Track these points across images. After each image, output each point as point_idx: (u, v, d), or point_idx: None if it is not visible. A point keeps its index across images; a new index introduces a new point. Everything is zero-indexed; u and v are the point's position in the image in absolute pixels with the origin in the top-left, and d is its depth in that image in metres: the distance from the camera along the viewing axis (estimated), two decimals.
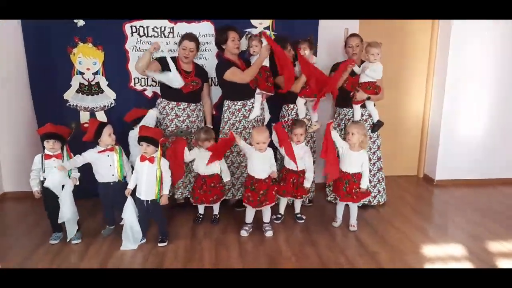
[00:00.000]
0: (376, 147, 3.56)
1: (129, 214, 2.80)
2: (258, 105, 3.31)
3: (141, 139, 2.76)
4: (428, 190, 4.18)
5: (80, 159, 2.87)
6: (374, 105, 3.51)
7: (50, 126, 2.81)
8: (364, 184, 3.09)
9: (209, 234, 3.08)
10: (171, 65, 3.16)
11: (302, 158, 3.15)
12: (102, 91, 3.62)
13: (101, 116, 3.62)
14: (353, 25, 3.87)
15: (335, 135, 3.10)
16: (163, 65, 3.27)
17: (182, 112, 3.34)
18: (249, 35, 3.43)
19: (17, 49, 3.48)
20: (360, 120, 3.44)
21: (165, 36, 3.58)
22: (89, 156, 2.89)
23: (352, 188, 3.09)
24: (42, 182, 2.82)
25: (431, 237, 3.09)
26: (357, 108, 3.44)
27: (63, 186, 2.81)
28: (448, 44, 4.07)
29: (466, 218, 3.45)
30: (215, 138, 3.22)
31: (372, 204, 3.63)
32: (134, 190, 2.84)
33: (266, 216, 3.11)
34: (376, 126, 3.49)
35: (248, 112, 3.33)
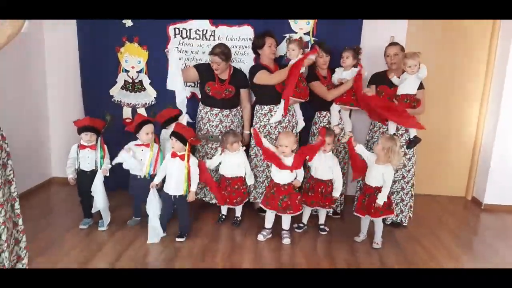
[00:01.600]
0: (411, 164, 3.35)
1: (152, 209, 2.91)
2: (280, 110, 3.26)
3: (172, 133, 2.86)
4: (473, 214, 3.85)
5: (118, 159, 3.04)
6: None
7: (88, 119, 3.02)
8: (381, 199, 2.92)
9: (227, 235, 3.11)
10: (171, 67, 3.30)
11: (331, 167, 3.07)
12: (144, 89, 3.81)
13: (142, 113, 3.80)
14: (399, 32, 3.69)
15: (359, 148, 2.98)
16: (201, 71, 3.39)
17: (215, 117, 3.39)
18: (288, 39, 3.40)
19: (71, 47, 3.76)
20: (395, 134, 3.26)
21: (206, 39, 3.67)
22: (123, 154, 3.04)
23: (371, 201, 2.94)
24: (76, 171, 3.03)
25: (460, 262, 2.84)
26: (391, 124, 3.26)
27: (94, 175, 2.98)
28: (507, 56, 3.72)
29: (509, 246, 3.13)
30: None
31: (404, 224, 3.42)
32: (161, 185, 2.95)
33: (286, 223, 3.06)
34: (413, 143, 3.28)
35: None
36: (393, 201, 3.32)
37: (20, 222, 2.17)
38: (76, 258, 2.66)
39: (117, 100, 3.83)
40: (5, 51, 2.04)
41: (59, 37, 3.83)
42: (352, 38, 3.58)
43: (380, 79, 3.35)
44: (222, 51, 3.25)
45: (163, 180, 2.95)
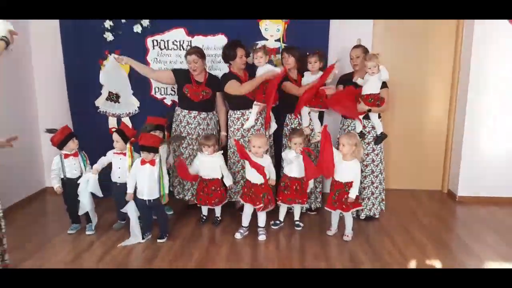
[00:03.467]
0: (379, 159, 3.52)
1: (131, 215, 3.10)
2: (253, 116, 3.45)
3: (142, 148, 2.99)
4: (446, 206, 4.01)
5: (105, 159, 3.26)
6: (380, 116, 3.49)
7: (67, 127, 3.21)
8: (353, 193, 3.10)
9: (207, 234, 3.30)
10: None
11: (303, 166, 3.24)
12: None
13: (127, 122, 4.01)
14: (365, 34, 3.86)
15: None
16: (178, 75, 3.59)
17: (193, 120, 3.59)
18: (254, 47, 3.54)
19: (58, 60, 3.96)
20: (362, 131, 3.44)
21: (183, 49, 3.87)
22: (108, 155, 3.28)
23: (342, 197, 3.12)
24: (62, 180, 3.22)
25: (427, 253, 3.00)
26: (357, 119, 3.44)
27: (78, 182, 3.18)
28: (470, 50, 3.89)
29: (476, 237, 3.28)
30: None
31: (376, 216, 3.59)
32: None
33: (261, 220, 3.25)
34: (380, 139, 3.46)
35: (246, 121, 3.49)
36: (363, 195, 3.51)
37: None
38: (62, 259, 2.86)
39: (103, 111, 4.03)
40: None
41: (45, 51, 4.03)
42: (320, 42, 3.77)
43: (347, 80, 3.53)
44: (197, 50, 3.50)
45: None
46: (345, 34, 3.82)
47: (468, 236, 3.31)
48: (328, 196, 3.25)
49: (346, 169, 3.11)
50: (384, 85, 3.40)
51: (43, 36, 3.99)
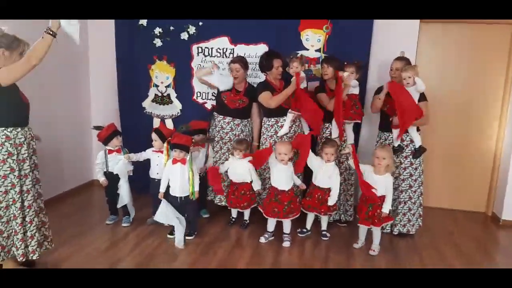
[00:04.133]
0: (418, 174, 3.41)
1: (171, 215, 3.23)
2: (287, 124, 3.50)
3: (174, 146, 3.17)
4: (487, 230, 3.78)
5: (143, 154, 3.50)
6: (419, 130, 3.39)
7: (113, 125, 3.48)
8: (387, 208, 3.04)
9: (234, 236, 3.38)
10: (212, 71, 3.69)
11: (330, 177, 3.24)
12: (171, 102, 4.24)
13: (169, 123, 4.24)
14: (410, 44, 3.78)
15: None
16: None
17: (227, 125, 3.72)
18: (292, 56, 3.59)
19: (111, 66, 4.29)
20: (400, 144, 3.36)
21: (226, 57, 4.03)
22: (147, 152, 3.50)
23: (375, 211, 3.06)
24: (105, 173, 3.47)
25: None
26: (396, 132, 3.36)
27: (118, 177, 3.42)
28: None
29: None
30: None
31: (411, 233, 3.47)
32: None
33: (286, 227, 3.27)
34: (418, 152, 3.36)
35: (280, 129, 3.54)
36: (399, 210, 3.42)
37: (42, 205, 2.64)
38: (97, 247, 3.08)
39: (148, 112, 4.29)
40: (56, 67, 2.45)
41: (101, 57, 4.38)
42: (361, 53, 3.75)
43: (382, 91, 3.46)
44: (242, 60, 3.64)
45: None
46: (388, 45, 3.75)
47: (505, 262, 3.10)
48: (359, 211, 3.18)
49: (379, 183, 3.05)
50: (423, 98, 3.31)
51: (100, 42, 4.34)
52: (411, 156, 3.38)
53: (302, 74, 3.39)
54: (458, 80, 4.02)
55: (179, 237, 3.16)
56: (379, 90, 3.54)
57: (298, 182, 3.30)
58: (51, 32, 2.33)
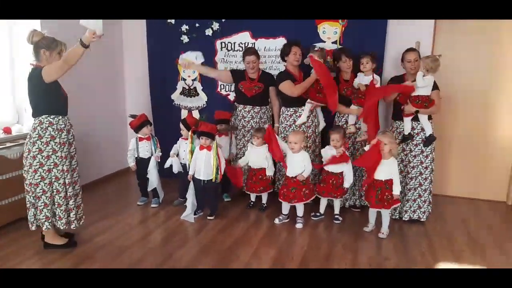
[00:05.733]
0: (429, 161, 3.50)
1: (191, 193, 3.58)
2: (306, 113, 3.70)
3: (200, 133, 3.49)
4: (505, 219, 3.78)
5: (177, 146, 3.85)
6: (430, 118, 3.48)
7: (144, 115, 3.83)
8: (397, 190, 3.18)
9: (251, 218, 3.64)
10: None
11: (342, 163, 3.42)
12: (197, 94, 4.56)
13: (196, 114, 4.55)
14: (426, 36, 3.85)
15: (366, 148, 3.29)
16: (234, 74, 4.01)
17: (247, 113, 3.97)
18: (312, 49, 3.79)
19: (142, 63, 4.68)
20: (410, 132, 3.47)
21: (245, 50, 4.26)
22: (178, 142, 3.85)
23: (384, 195, 3.20)
24: (136, 159, 3.84)
25: (460, 260, 2.94)
26: (407, 121, 3.46)
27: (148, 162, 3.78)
28: None
29: None
30: None
31: (422, 220, 3.57)
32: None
33: (299, 210, 3.48)
34: (428, 141, 3.45)
35: (298, 118, 3.74)
36: (408, 196, 3.54)
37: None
38: (128, 223, 3.46)
39: (177, 104, 4.63)
40: (95, 65, 2.83)
41: (134, 54, 4.78)
42: (377, 44, 3.87)
43: (398, 82, 3.57)
44: (256, 51, 3.91)
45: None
46: (402, 37, 3.85)
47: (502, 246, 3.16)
48: (367, 196, 3.32)
49: (385, 168, 3.19)
50: (435, 86, 3.39)
51: (133, 41, 4.74)
52: (421, 144, 3.47)
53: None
54: (478, 68, 4.02)
55: (188, 212, 3.52)
56: (392, 81, 3.65)
57: (305, 172, 3.39)
58: (84, 44, 2.62)
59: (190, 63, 4.10)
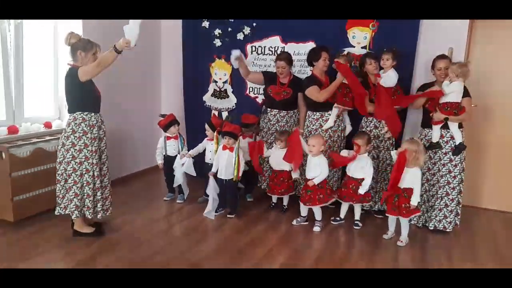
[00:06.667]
0: (458, 171, 3.37)
1: (212, 191, 3.68)
2: (333, 118, 3.69)
3: (224, 133, 3.59)
4: None
5: (200, 146, 3.99)
6: (461, 126, 3.36)
7: (172, 115, 3.98)
8: (415, 201, 3.10)
9: (271, 219, 3.69)
10: None
11: (363, 168, 3.39)
12: (228, 96, 4.68)
13: (225, 115, 4.68)
14: (459, 41, 3.73)
15: (392, 153, 3.23)
16: (266, 76, 4.08)
17: (273, 117, 4.03)
18: (339, 54, 3.79)
19: (176, 66, 4.88)
20: (438, 141, 3.37)
21: (278, 54, 4.34)
22: (203, 142, 3.99)
23: (402, 203, 3.14)
24: (164, 157, 4.01)
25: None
26: (435, 128, 3.37)
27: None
28: None
29: None
30: None
31: (448, 230, 3.45)
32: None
33: (317, 214, 3.49)
34: (458, 149, 3.33)
35: (325, 123, 3.75)
36: (436, 205, 3.44)
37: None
38: (152, 217, 3.62)
39: (208, 105, 4.79)
40: (134, 67, 3.11)
41: (171, 57, 4.98)
42: (407, 50, 3.79)
43: (427, 89, 3.48)
44: (287, 57, 3.92)
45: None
46: (436, 43, 3.74)
47: None
48: (387, 202, 3.26)
49: (407, 176, 3.12)
50: (466, 94, 3.28)
51: (170, 45, 4.94)
52: (450, 153, 3.36)
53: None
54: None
55: (209, 209, 3.61)
56: (422, 88, 3.56)
57: (320, 177, 3.38)
58: (117, 50, 2.83)
59: (241, 58, 4.07)
